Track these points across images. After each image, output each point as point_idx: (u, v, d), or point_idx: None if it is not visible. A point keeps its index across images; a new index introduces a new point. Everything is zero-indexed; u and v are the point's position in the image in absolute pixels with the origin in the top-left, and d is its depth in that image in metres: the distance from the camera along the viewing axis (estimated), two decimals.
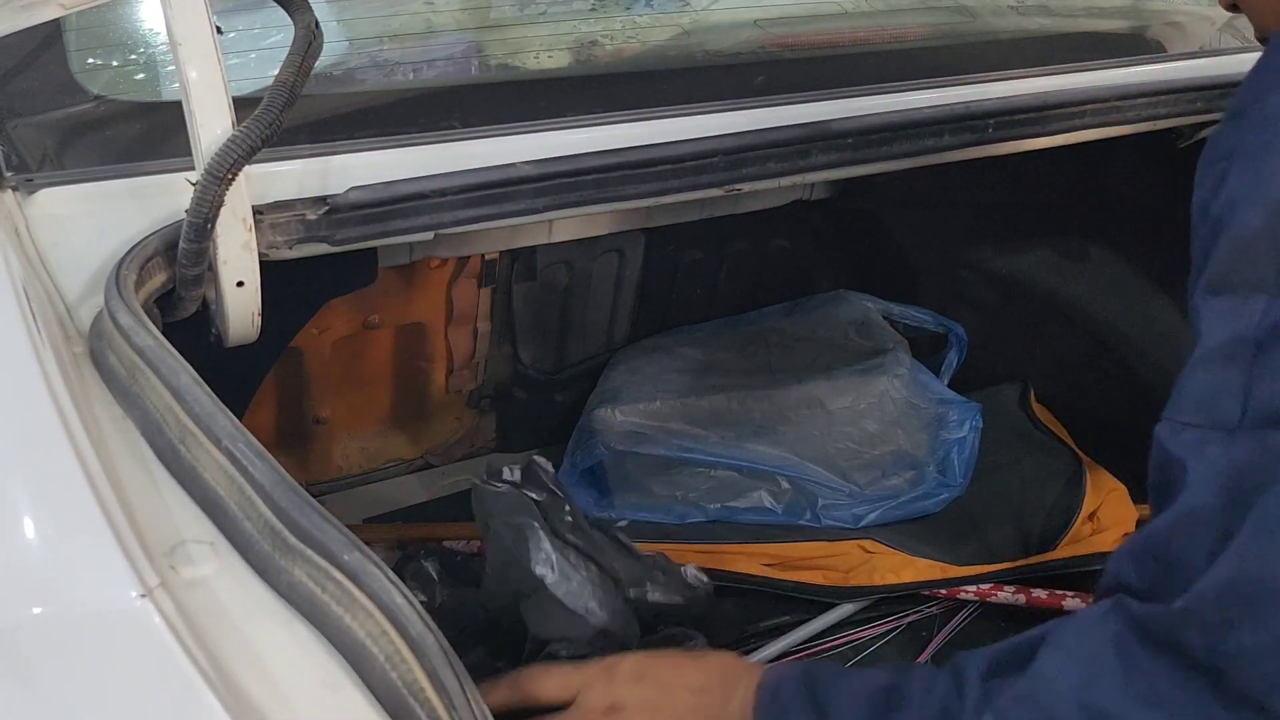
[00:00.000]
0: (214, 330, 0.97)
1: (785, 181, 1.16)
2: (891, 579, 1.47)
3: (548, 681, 0.86)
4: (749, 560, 1.50)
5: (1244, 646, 0.54)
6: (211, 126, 0.84)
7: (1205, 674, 0.56)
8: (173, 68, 0.85)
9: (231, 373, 0.94)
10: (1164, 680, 0.58)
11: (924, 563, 1.48)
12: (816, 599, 1.48)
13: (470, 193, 1.00)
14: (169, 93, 1.08)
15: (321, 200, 0.95)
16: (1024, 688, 0.62)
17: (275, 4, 0.94)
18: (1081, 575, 1.50)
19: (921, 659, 1.44)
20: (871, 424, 1.59)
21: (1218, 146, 0.65)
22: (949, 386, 1.67)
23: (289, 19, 0.92)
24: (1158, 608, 0.59)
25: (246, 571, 0.65)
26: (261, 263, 0.91)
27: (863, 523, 1.48)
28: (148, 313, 0.83)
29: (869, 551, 1.48)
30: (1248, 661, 0.54)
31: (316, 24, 0.91)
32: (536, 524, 0.98)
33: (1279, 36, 0.64)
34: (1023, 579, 1.49)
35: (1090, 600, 1.45)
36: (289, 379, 1.52)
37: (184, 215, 0.86)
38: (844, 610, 1.48)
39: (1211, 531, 0.57)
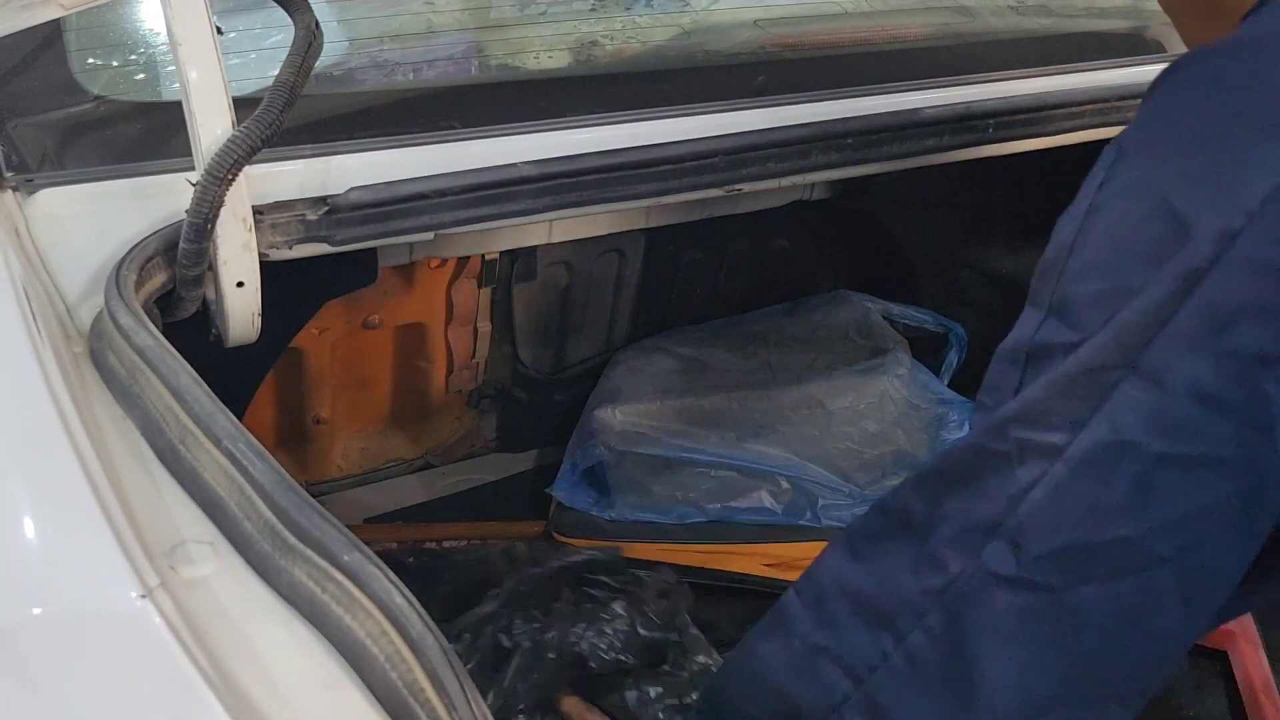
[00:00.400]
0: (214, 330, 0.97)
1: (786, 181, 1.16)
2: None
3: None
4: (749, 560, 1.49)
5: (938, 516, 0.69)
6: (211, 126, 0.84)
7: (908, 544, 0.71)
8: (173, 68, 0.85)
9: (231, 373, 0.94)
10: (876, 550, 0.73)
11: None
12: None
13: (471, 193, 1.00)
14: (169, 93, 1.08)
15: (322, 200, 0.95)
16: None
17: (275, 4, 0.94)
18: None
19: None
20: (871, 424, 1.59)
21: None
22: (949, 386, 1.67)
23: (289, 19, 0.92)
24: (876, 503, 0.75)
25: (246, 571, 0.65)
26: (261, 263, 0.91)
27: None
28: (148, 313, 0.83)
29: None
30: (937, 527, 0.69)
31: (316, 24, 0.91)
32: None
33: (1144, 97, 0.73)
34: None
35: None
36: (289, 379, 1.52)
37: (184, 215, 0.86)
38: None
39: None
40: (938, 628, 0.68)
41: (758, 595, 1.48)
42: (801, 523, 1.50)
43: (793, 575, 1.47)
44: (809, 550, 1.50)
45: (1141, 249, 0.63)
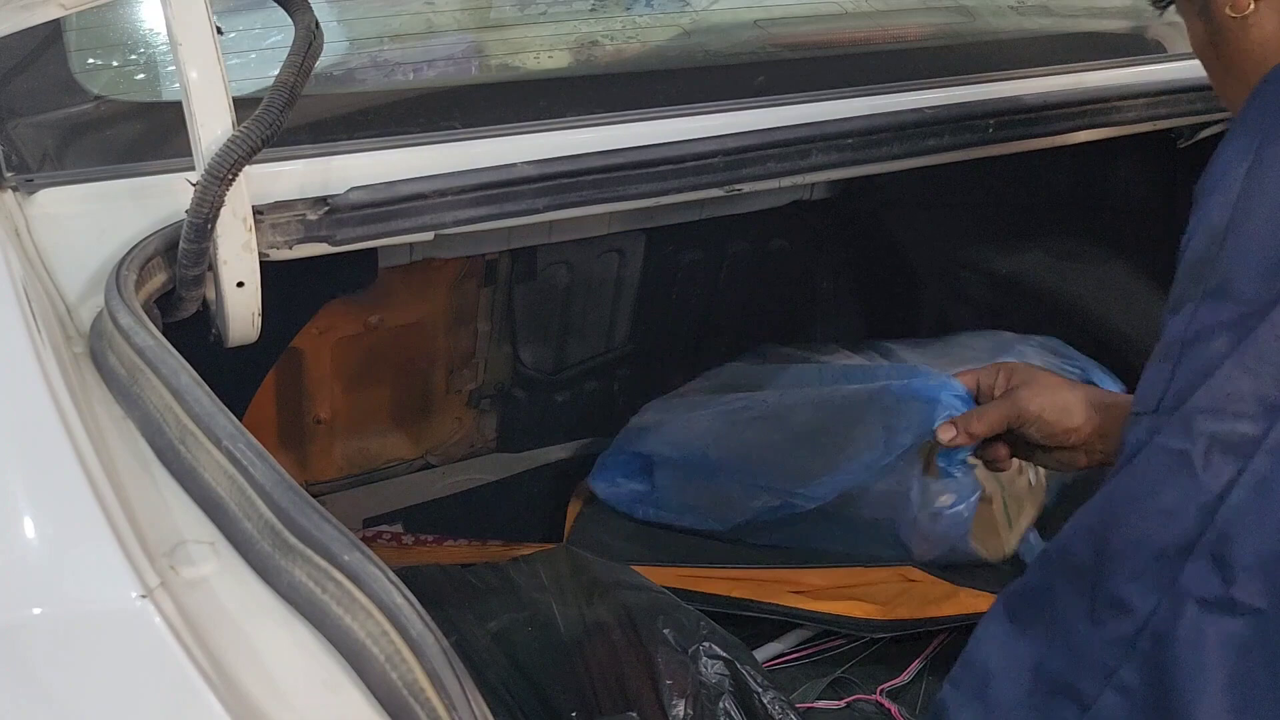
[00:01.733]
0: (214, 330, 0.97)
1: (786, 181, 1.16)
2: (933, 611, 1.36)
3: None
4: (776, 588, 1.42)
5: (1113, 550, 0.61)
6: (212, 126, 0.84)
7: (1077, 591, 0.63)
8: (173, 68, 0.85)
9: (231, 373, 0.94)
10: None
11: (968, 593, 1.37)
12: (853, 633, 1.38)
13: (470, 193, 1.00)
14: (169, 93, 1.08)
15: (322, 200, 0.95)
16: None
17: (275, 4, 0.94)
18: None
19: (919, 660, 1.43)
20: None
21: (1193, 198, 0.73)
22: None
23: (289, 19, 0.92)
24: (1036, 557, 0.69)
25: (246, 571, 0.65)
26: (261, 263, 0.91)
27: None
28: (148, 313, 0.82)
29: (910, 580, 1.40)
30: (1115, 563, 0.61)
31: (316, 24, 0.91)
32: None
33: (1245, 103, 0.73)
34: None
35: None
36: (289, 379, 1.52)
37: (184, 215, 0.86)
38: None
39: None
40: (1134, 682, 0.59)
41: (782, 625, 1.41)
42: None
43: (826, 606, 1.37)
44: (842, 578, 1.42)
45: None
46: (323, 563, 0.62)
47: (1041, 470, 1.41)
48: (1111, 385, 1.43)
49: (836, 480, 1.39)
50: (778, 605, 1.39)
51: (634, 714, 1.08)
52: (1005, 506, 1.39)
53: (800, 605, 1.39)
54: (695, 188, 1.10)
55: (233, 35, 1.17)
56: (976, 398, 1.22)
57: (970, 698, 0.67)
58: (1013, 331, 1.76)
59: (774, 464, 1.45)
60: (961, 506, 1.35)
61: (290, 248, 0.95)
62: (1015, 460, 1.21)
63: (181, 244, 0.87)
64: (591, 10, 1.43)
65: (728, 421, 1.52)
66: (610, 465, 1.59)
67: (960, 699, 0.67)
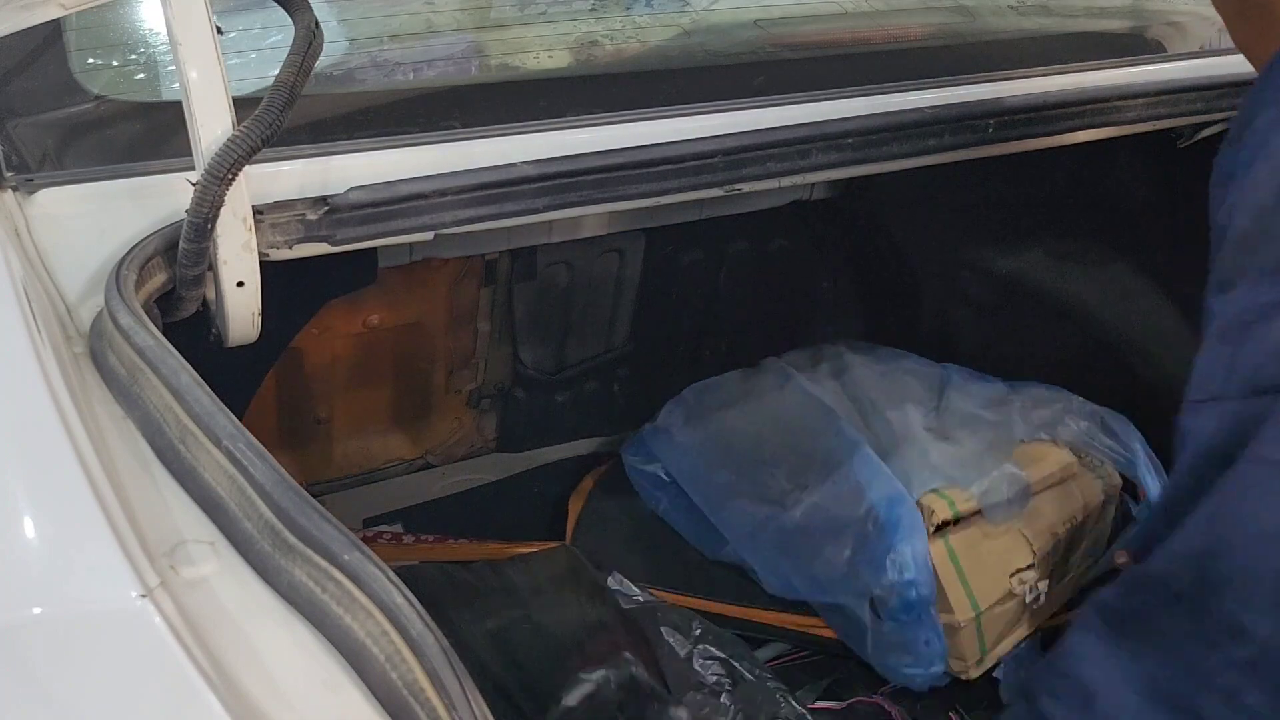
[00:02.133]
0: (214, 330, 0.97)
1: (785, 181, 1.16)
2: None
3: None
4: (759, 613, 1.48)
5: (1221, 577, 0.59)
6: (211, 126, 0.84)
7: (1187, 616, 0.61)
8: (173, 68, 0.85)
9: (231, 373, 0.94)
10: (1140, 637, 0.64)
11: None
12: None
13: (470, 193, 1.00)
14: (169, 93, 1.08)
15: (322, 200, 0.95)
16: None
17: (275, 4, 0.94)
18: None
19: None
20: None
21: (1220, 170, 0.71)
22: None
23: (289, 19, 0.92)
24: (1127, 577, 0.66)
25: (247, 571, 0.65)
26: (261, 262, 0.91)
27: None
28: (148, 313, 0.83)
29: None
30: (1225, 590, 0.59)
31: (316, 24, 0.91)
32: None
33: (1267, 67, 0.70)
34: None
35: None
36: (289, 379, 1.52)
37: (184, 215, 0.86)
38: None
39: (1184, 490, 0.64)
40: (1261, 705, 0.57)
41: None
42: None
43: (802, 619, 1.43)
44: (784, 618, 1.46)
45: None
46: (323, 563, 0.62)
47: (1043, 586, 1.43)
48: (1153, 481, 1.46)
49: (793, 584, 1.43)
50: (763, 624, 1.45)
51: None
52: (980, 632, 1.39)
53: (783, 624, 1.44)
54: (695, 188, 1.10)
55: (233, 35, 1.17)
56: None
57: (1076, 712, 0.66)
58: (1013, 331, 1.77)
59: (754, 541, 1.48)
60: (917, 672, 1.37)
61: (290, 247, 0.95)
62: (1003, 585, 1.31)
63: (181, 244, 0.87)
64: (591, 10, 1.43)
65: (729, 486, 1.54)
66: (643, 443, 1.61)
67: (1065, 713, 0.66)
